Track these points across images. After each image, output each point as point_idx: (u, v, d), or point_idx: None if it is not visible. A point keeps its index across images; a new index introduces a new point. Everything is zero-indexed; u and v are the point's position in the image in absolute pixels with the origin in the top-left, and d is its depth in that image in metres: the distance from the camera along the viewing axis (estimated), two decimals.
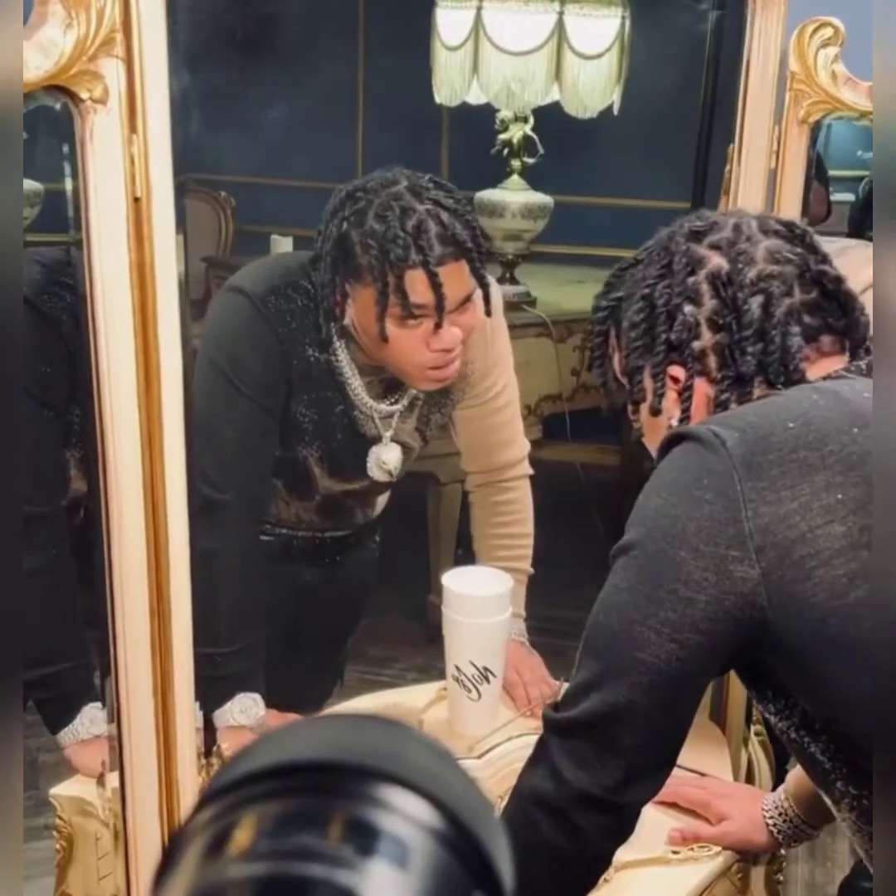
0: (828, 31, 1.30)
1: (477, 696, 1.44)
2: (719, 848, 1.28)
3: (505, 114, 2.94)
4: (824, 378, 0.99)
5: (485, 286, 1.45)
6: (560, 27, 2.71)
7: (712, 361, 1.01)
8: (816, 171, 2.42)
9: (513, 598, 1.56)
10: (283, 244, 3.22)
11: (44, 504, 1.41)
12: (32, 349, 1.38)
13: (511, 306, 2.97)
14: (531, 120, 2.95)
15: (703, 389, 1.02)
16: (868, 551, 0.85)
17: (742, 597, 0.87)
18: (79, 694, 1.39)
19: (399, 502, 3.05)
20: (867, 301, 1.28)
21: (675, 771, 1.41)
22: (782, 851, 1.35)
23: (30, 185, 1.83)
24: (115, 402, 1.00)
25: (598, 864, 1.00)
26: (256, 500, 1.55)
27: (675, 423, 1.03)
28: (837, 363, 1.01)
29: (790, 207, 1.38)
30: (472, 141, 3.23)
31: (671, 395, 1.03)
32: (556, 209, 3.04)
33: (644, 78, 2.85)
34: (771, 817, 1.27)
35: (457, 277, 1.39)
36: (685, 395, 1.02)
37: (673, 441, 0.93)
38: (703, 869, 1.26)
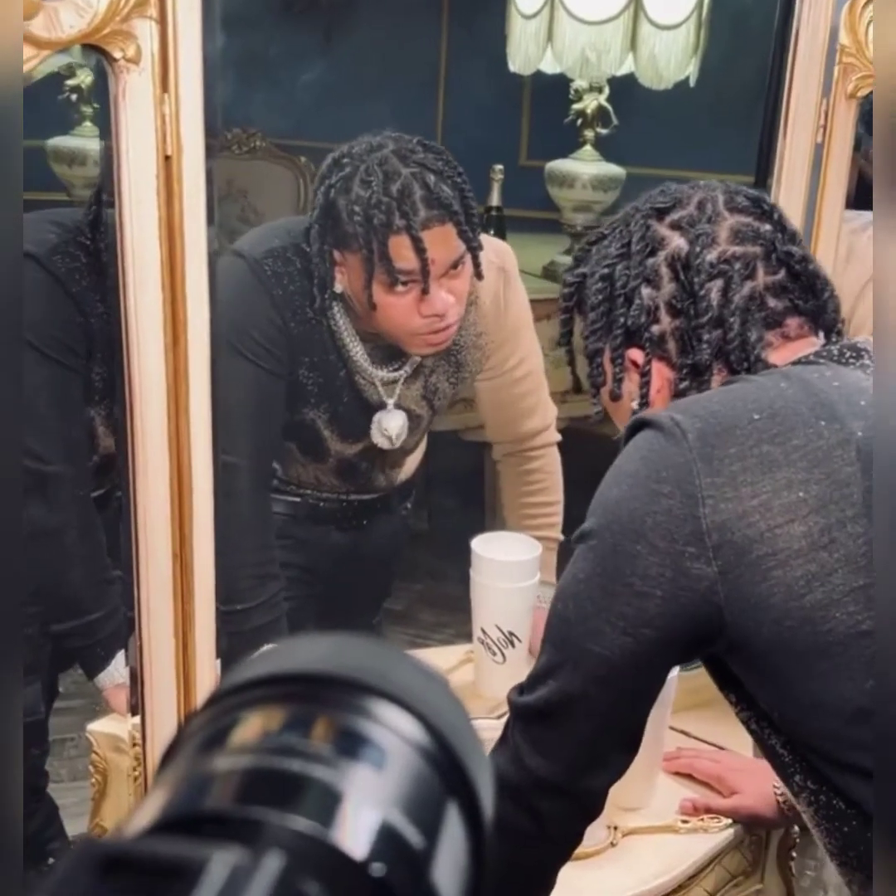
0: None
1: (502, 660, 1.46)
2: (729, 820, 1.29)
3: (580, 83, 2.92)
4: (795, 363, 0.95)
5: (474, 249, 1.43)
6: None
7: (672, 346, 0.98)
8: None
9: (543, 566, 1.57)
10: None
11: (66, 462, 1.46)
12: (44, 311, 1.42)
13: None
14: (606, 90, 2.93)
15: (663, 373, 0.99)
16: (827, 553, 0.83)
17: (698, 594, 0.85)
18: (112, 640, 1.45)
19: (454, 471, 3.06)
20: None
21: (693, 743, 1.44)
22: (795, 828, 1.35)
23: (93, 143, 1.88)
24: (143, 355, 1.04)
25: (563, 844, 1.00)
26: (265, 462, 1.57)
27: (635, 406, 1.00)
28: (807, 347, 0.97)
29: (837, 182, 1.36)
30: (555, 111, 3.21)
31: (631, 379, 1.00)
32: (628, 181, 3.01)
33: (720, 49, 2.81)
34: (781, 794, 1.27)
35: (443, 241, 1.38)
36: (644, 379, 0.99)
37: (636, 427, 0.91)
38: (712, 840, 1.27)
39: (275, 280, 1.47)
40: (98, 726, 1.41)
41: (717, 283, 0.95)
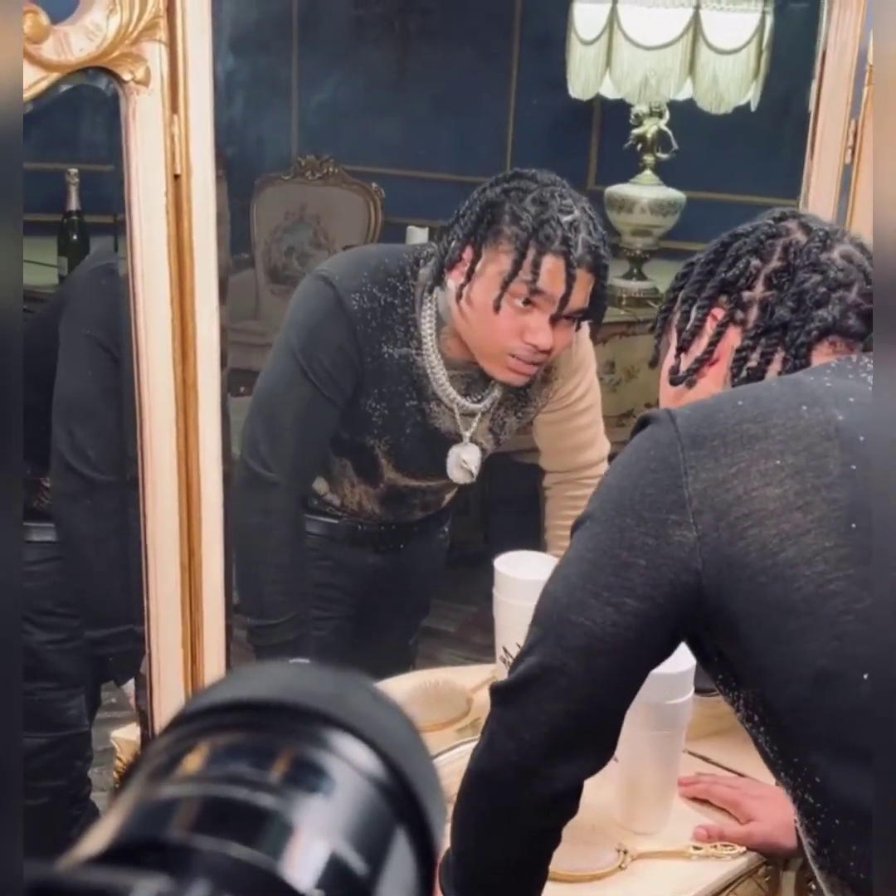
0: None
1: None
2: (743, 848, 1.27)
3: (640, 108, 2.92)
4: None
5: (603, 307, 1.48)
6: (696, 22, 2.68)
7: (753, 313, 1.04)
8: None
9: None
10: (418, 236, 3.26)
11: (113, 473, 1.50)
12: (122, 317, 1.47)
13: (636, 302, 2.96)
14: (667, 115, 2.92)
15: (730, 340, 1.05)
16: (802, 514, 0.86)
17: (679, 562, 0.88)
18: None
19: (511, 493, 3.05)
20: None
21: (713, 769, 1.42)
22: None
23: None
24: (152, 370, 1.06)
25: (536, 843, 0.98)
26: (304, 482, 1.59)
27: (693, 360, 1.06)
28: None
29: (866, 202, 1.34)
30: (623, 136, 3.21)
31: (705, 334, 1.06)
32: (689, 205, 3.00)
33: (779, 73, 2.79)
34: None
35: (582, 287, 1.42)
36: (715, 336, 1.05)
37: (640, 426, 0.96)
38: (724, 867, 1.25)
39: (359, 316, 1.48)
40: (122, 733, 1.44)
41: (817, 277, 1.01)
